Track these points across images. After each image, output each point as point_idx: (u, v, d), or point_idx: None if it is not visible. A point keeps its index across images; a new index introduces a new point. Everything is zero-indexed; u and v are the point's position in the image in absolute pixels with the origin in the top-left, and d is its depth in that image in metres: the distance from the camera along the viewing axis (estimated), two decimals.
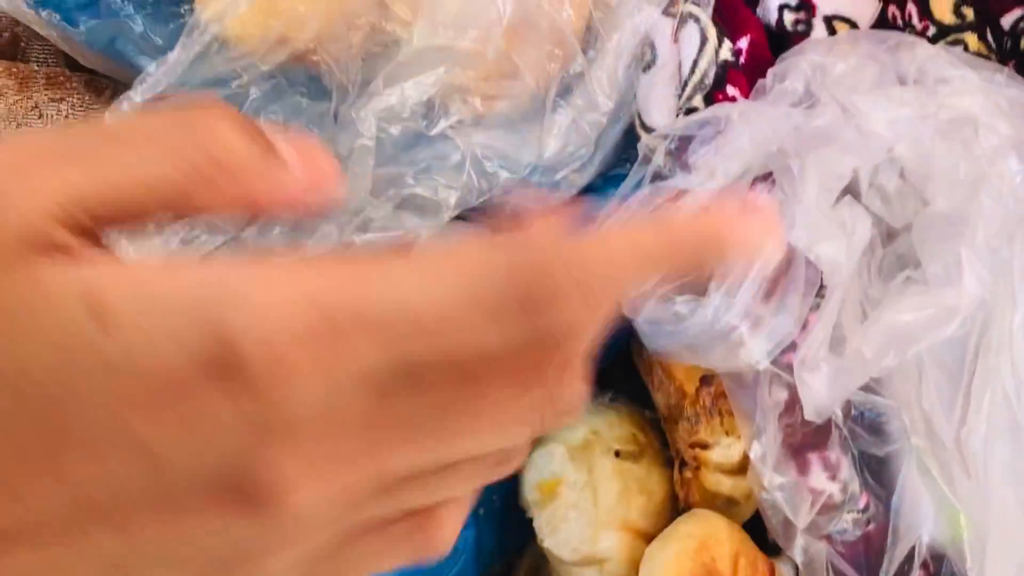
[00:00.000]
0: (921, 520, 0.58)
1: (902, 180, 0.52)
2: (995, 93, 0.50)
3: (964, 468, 0.58)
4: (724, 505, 0.56)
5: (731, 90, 0.55)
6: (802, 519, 0.54)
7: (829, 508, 0.56)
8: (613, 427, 0.57)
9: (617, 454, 0.56)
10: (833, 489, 0.55)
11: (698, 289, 0.48)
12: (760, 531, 0.57)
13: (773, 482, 0.53)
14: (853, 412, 0.55)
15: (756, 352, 0.49)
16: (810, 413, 0.48)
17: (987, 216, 0.45)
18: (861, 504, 0.56)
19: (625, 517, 0.54)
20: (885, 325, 0.46)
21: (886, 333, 0.46)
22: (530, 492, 0.56)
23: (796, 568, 0.59)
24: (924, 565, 0.58)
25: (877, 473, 0.57)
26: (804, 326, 0.51)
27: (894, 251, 0.58)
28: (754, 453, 0.52)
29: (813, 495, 0.55)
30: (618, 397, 0.59)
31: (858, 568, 0.58)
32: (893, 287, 0.56)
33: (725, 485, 0.55)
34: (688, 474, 0.54)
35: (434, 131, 0.51)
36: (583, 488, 0.54)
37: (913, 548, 0.58)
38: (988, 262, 0.45)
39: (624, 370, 0.61)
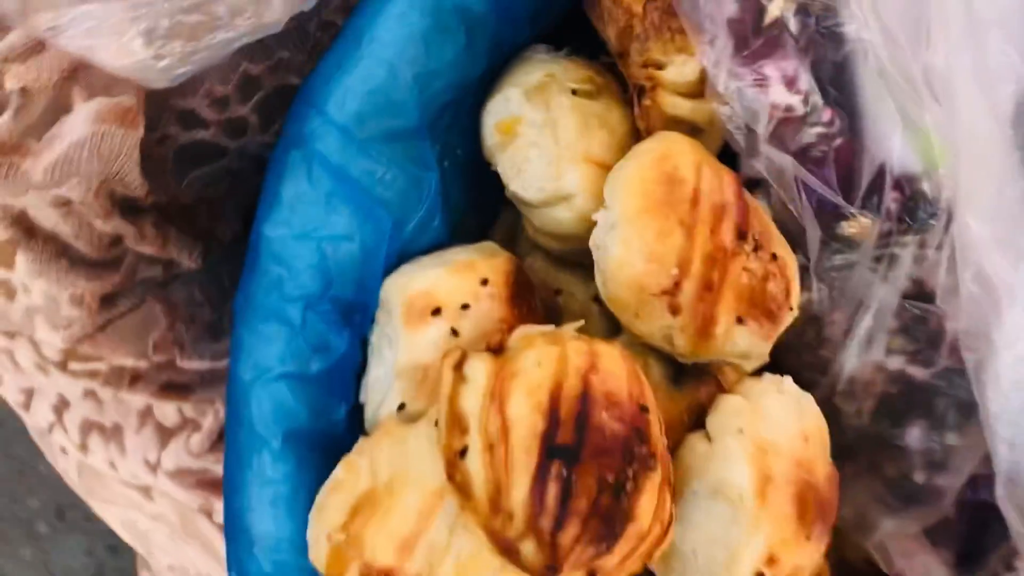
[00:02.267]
0: (889, 132, 0.60)
1: None
2: None
3: (931, 95, 0.59)
4: (688, 132, 0.58)
5: None
6: (763, 127, 0.56)
7: (792, 122, 0.58)
8: (569, 71, 0.59)
9: (574, 92, 0.57)
10: (794, 101, 0.57)
11: None
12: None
13: (729, 88, 0.55)
14: (805, 18, 0.57)
15: None
16: None
17: None
18: (825, 118, 0.58)
19: (587, 151, 0.56)
20: None
21: None
22: (490, 136, 0.58)
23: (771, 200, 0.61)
24: (897, 186, 0.60)
25: (838, 84, 0.58)
26: None
27: None
28: (707, 59, 0.54)
29: (773, 108, 0.56)
30: (573, 52, 0.61)
31: (830, 186, 0.60)
32: None
33: (684, 108, 0.57)
34: (646, 101, 0.56)
35: None
36: (542, 126, 0.57)
37: (883, 166, 0.60)
38: None
39: (576, 30, 0.62)
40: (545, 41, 0.63)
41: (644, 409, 0.51)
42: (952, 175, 0.63)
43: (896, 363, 0.69)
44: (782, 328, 0.58)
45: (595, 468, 0.49)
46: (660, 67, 0.56)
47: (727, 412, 0.56)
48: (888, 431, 0.69)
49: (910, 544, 0.73)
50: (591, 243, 0.56)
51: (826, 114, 0.60)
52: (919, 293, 0.68)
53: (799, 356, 0.69)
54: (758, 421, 0.55)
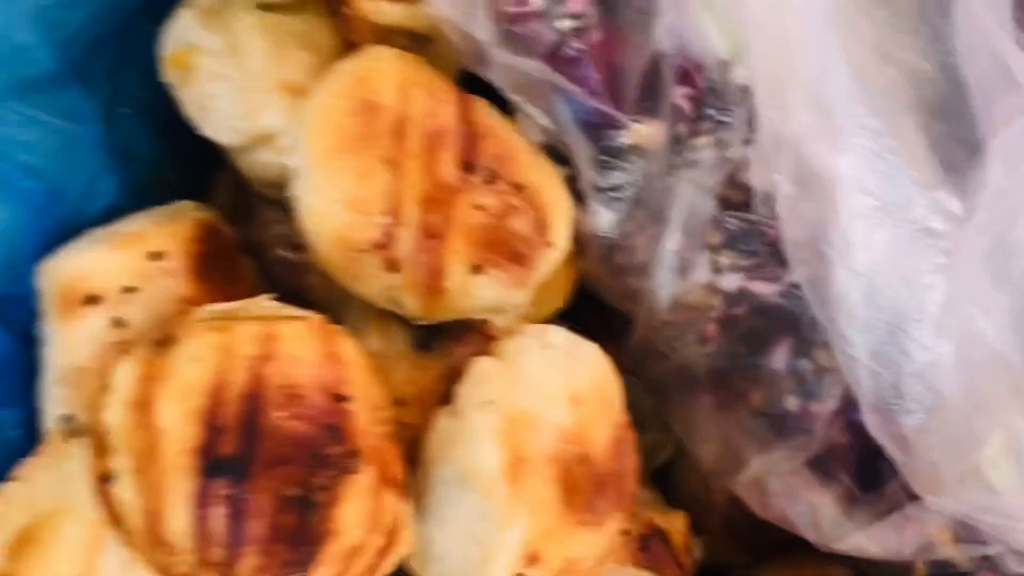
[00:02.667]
0: (665, 17, 0.49)
1: None
2: None
3: None
4: (414, 44, 0.47)
5: None
6: (485, 28, 0.45)
7: (528, 17, 0.47)
8: None
9: (267, 8, 0.46)
10: None
11: None
12: None
13: None
14: None
15: None
16: None
17: None
18: (574, 8, 0.47)
19: (284, 78, 0.46)
20: None
21: None
22: (166, 72, 0.47)
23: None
24: (685, 79, 0.49)
25: None
26: None
27: None
28: None
29: (497, 3, 0.45)
30: None
31: (592, 91, 0.48)
32: None
33: (392, 15, 0.46)
34: (345, 9, 0.45)
35: None
36: (224, 53, 0.47)
37: (660, 58, 0.49)
38: None
39: None
40: None
41: (341, 399, 0.41)
42: (754, 59, 0.52)
43: (733, 282, 0.58)
44: (540, 270, 0.47)
45: (271, 482, 0.39)
46: None
47: (476, 380, 0.46)
48: (747, 357, 0.59)
49: (792, 480, 0.63)
50: (291, 193, 0.45)
51: (574, 4, 0.48)
52: (743, 201, 0.57)
53: (609, 287, 0.58)
54: (511, 388, 0.45)
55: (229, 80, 0.47)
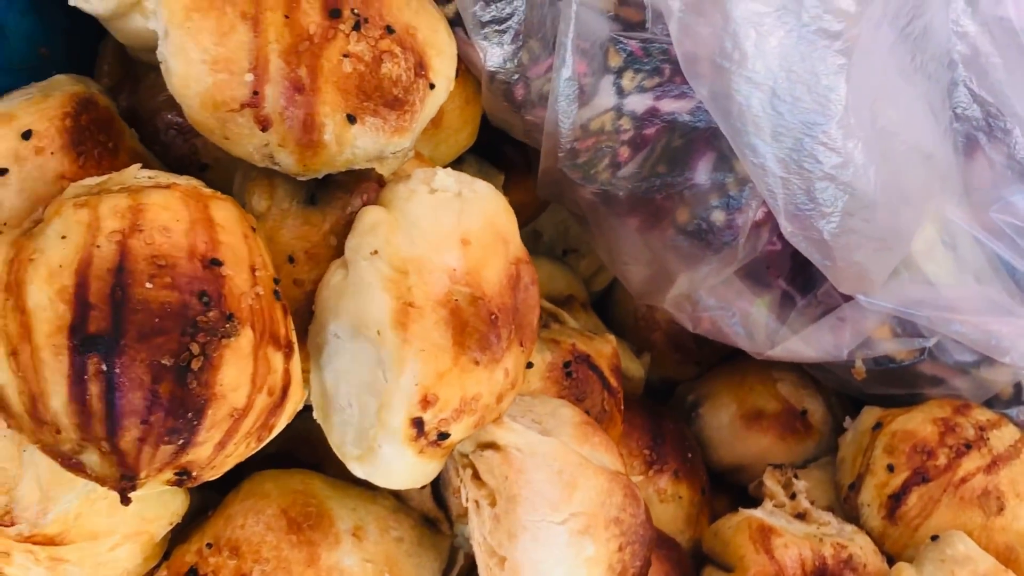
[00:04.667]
0: None
1: None
2: None
3: None
4: None
5: None
6: None
7: None
8: None
9: None
10: None
11: None
12: None
13: None
14: None
15: None
16: None
17: None
18: None
19: None
20: None
21: None
22: None
23: None
24: None
25: None
26: None
27: None
28: None
29: None
30: None
31: None
32: None
33: None
34: None
35: None
36: None
37: None
38: None
39: None
40: None
41: (215, 263, 0.39)
42: None
43: (642, 102, 0.56)
44: (420, 114, 0.45)
45: (145, 353, 0.37)
46: None
47: (363, 231, 0.44)
48: (669, 175, 0.57)
49: (723, 292, 0.62)
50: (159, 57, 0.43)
51: None
52: (640, 20, 0.54)
53: (511, 123, 0.56)
54: (397, 236, 0.43)
55: None
